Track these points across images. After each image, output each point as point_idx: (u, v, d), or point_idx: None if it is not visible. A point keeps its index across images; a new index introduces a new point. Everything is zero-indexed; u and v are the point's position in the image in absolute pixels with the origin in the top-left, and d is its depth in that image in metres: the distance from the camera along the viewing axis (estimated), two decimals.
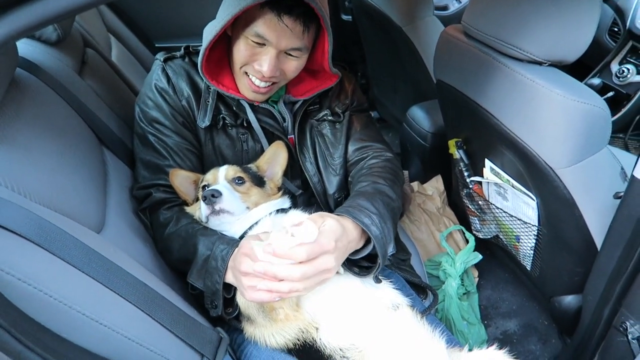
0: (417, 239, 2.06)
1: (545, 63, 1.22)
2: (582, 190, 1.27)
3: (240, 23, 1.16)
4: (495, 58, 1.30)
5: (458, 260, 1.81)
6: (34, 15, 0.54)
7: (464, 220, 2.09)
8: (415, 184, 2.19)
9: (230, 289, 1.09)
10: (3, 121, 0.93)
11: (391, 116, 2.85)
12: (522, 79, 1.22)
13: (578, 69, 2.83)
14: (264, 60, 1.18)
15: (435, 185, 2.17)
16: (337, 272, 1.09)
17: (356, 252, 1.09)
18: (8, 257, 0.72)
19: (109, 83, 1.62)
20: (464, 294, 1.85)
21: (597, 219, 1.31)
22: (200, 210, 1.19)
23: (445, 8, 2.99)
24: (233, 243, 1.07)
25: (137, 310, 0.90)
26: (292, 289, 0.91)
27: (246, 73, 1.24)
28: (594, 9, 1.15)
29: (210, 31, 1.17)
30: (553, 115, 1.18)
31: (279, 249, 0.89)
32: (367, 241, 1.10)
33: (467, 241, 1.94)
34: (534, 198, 1.44)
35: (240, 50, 1.19)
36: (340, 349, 1.03)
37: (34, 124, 1.04)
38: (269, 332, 1.09)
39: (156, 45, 2.47)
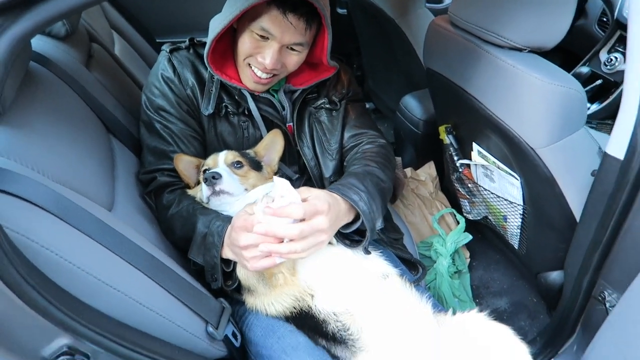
0: (410, 223, 2.15)
1: (525, 49, 1.30)
2: (561, 168, 1.36)
3: (246, 17, 1.23)
4: (479, 46, 1.37)
5: (449, 240, 1.90)
6: (50, 10, 0.62)
7: (455, 204, 2.17)
8: (408, 170, 2.27)
9: (229, 263, 1.18)
10: (21, 109, 1.01)
11: (386, 107, 2.93)
12: (503, 65, 1.30)
13: (568, 58, 2.91)
14: (267, 53, 1.25)
15: (428, 171, 2.26)
16: (330, 243, 1.18)
17: (346, 226, 1.18)
18: (31, 226, 0.80)
19: (114, 76, 1.70)
20: (455, 272, 1.94)
21: (576, 196, 1.39)
22: (201, 192, 1.27)
23: (439, 1, 3.06)
24: (228, 219, 1.15)
25: (147, 278, 0.98)
26: (290, 250, 0.99)
27: (249, 65, 1.32)
28: None
29: (217, 24, 1.24)
30: (532, 98, 1.26)
31: (277, 208, 0.97)
32: (357, 217, 1.18)
33: (458, 223, 2.02)
34: (518, 178, 1.52)
35: (245, 42, 1.27)
36: (334, 314, 1.11)
37: (48, 112, 1.12)
38: (268, 301, 1.18)
39: (157, 40, 2.54)
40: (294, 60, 1.32)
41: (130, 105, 1.62)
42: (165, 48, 1.42)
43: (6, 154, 0.88)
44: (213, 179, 1.20)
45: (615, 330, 1.09)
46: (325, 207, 1.04)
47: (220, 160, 1.31)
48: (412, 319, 1.11)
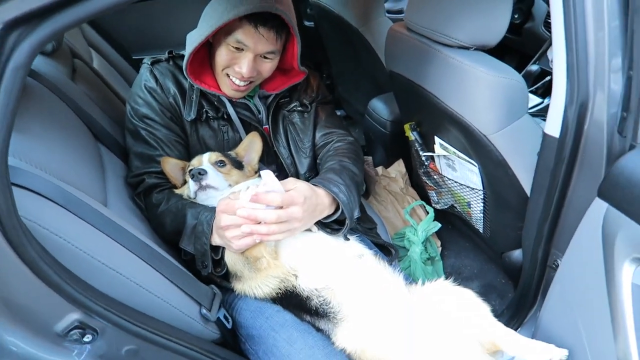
0: (384, 217, 2.29)
1: (472, 48, 1.47)
2: (511, 151, 1.52)
3: (221, 32, 1.37)
4: (432, 46, 1.54)
5: (420, 229, 2.04)
6: (64, 20, 0.73)
7: (424, 197, 2.32)
8: (379, 169, 2.42)
9: (217, 251, 1.29)
10: (19, 116, 1.11)
11: (356, 112, 3.09)
12: (453, 62, 1.46)
13: (522, 59, 3.14)
14: (243, 63, 1.39)
15: (398, 169, 2.41)
16: (311, 230, 1.30)
17: (328, 216, 1.31)
18: (41, 215, 0.90)
19: (97, 89, 1.80)
20: (428, 259, 2.08)
21: (526, 176, 1.55)
22: (189, 189, 1.38)
23: (400, 12, 3.27)
24: (215, 210, 1.27)
25: (145, 263, 1.08)
26: (269, 231, 1.12)
27: (227, 75, 1.45)
28: (506, 3, 1.41)
29: (194, 39, 1.38)
30: (480, 90, 1.42)
31: (259, 194, 1.10)
32: (337, 208, 1.32)
33: (427, 213, 2.17)
34: (476, 164, 1.68)
35: (222, 55, 1.40)
36: (316, 290, 1.23)
37: (42, 120, 1.22)
38: (255, 284, 1.29)
39: (133, 57, 2.64)
40: (267, 67, 1.45)
41: (115, 115, 1.71)
42: (147, 61, 1.53)
43: (14, 154, 0.97)
44: (199, 174, 1.32)
45: (561, 285, 1.25)
46: (301, 200, 1.18)
47: (205, 160, 1.43)
48: (386, 290, 1.24)
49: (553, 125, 1.28)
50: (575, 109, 1.19)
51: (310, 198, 1.20)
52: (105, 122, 1.60)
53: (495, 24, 1.42)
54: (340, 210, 1.31)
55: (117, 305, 0.98)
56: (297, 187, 1.19)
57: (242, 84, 1.45)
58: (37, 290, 0.84)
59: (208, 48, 1.50)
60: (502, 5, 1.41)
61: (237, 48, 1.37)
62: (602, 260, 1.04)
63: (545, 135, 1.33)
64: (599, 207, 1.06)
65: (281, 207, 1.14)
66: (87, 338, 0.92)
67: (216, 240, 1.24)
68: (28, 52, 0.70)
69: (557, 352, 1.12)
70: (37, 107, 1.23)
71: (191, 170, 1.40)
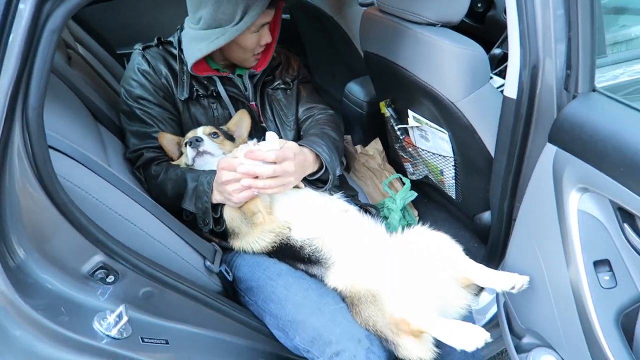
0: (364, 192, 2.45)
1: (438, 24, 1.63)
2: (477, 117, 1.69)
3: None
4: (402, 24, 1.70)
5: (398, 198, 2.20)
6: None
7: (401, 172, 2.49)
8: (358, 147, 2.58)
9: (217, 209, 1.41)
10: None
11: (334, 99, 3.23)
12: (422, 37, 1.62)
13: (485, 44, 3.35)
14: (265, 34, 1.59)
15: (375, 147, 2.57)
16: (299, 187, 1.45)
17: (313, 174, 1.46)
18: (66, 170, 1.01)
19: (90, 76, 1.89)
20: (405, 226, 2.24)
21: (491, 139, 1.72)
22: (186, 157, 1.50)
23: (372, 4, 3.44)
24: (214, 172, 1.40)
25: (156, 218, 1.21)
26: (265, 185, 1.26)
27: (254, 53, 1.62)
28: None
29: (212, 44, 1.47)
30: (446, 61, 1.59)
31: (256, 151, 1.24)
32: (320, 167, 1.47)
33: (404, 184, 2.34)
34: (446, 132, 1.85)
35: (251, 41, 1.56)
36: (308, 239, 1.37)
37: (49, 98, 1.30)
38: (252, 239, 1.42)
39: (118, 52, 2.73)
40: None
41: (108, 99, 1.82)
42: (138, 47, 1.65)
43: None
44: (197, 141, 1.45)
45: (522, 224, 1.42)
46: (292, 155, 1.32)
47: (200, 131, 1.55)
48: (369, 236, 1.39)
49: (510, 88, 1.45)
50: (528, 72, 1.37)
51: (299, 154, 1.36)
52: (102, 104, 1.70)
53: (457, 3, 1.59)
54: (324, 168, 1.46)
55: (135, 252, 1.10)
56: (287, 144, 1.34)
57: (262, 49, 1.64)
58: (67, 233, 0.95)
59: None
60: None
61: (257, 30, 1.54)
62: (554, 195, 1.22)
63: (504, 97, 1.50)
64: (550, 151, 1.24)
65: (275, 164, 1.29)
66: (110, 279, 1.04)
67: (216, 197, 1.37)
68: (61, 17, 0.82)
69: (519, 279, 1.29)
70: None
71: (186, 143, 1.52)
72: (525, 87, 1.40)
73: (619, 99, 1.09)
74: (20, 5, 0.78)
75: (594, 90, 1.17)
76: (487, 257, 1.92)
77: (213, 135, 1.56)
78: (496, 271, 1.32)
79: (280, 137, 1.78)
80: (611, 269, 1.10)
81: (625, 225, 1.03)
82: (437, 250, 1.37)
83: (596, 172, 1.06)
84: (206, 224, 1.39)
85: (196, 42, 1.52)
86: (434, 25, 1.64)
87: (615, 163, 1.00)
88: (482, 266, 1.35)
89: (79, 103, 1.53)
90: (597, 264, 1.12)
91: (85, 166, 1.07)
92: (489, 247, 1.91)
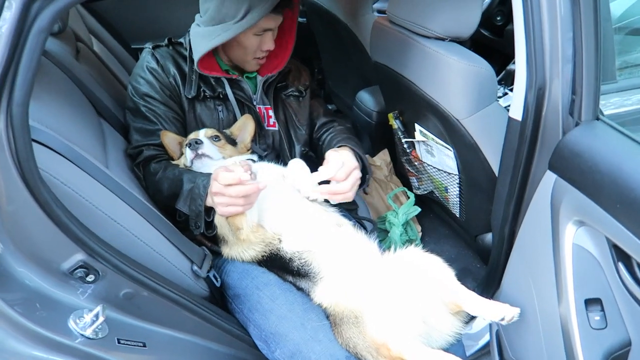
0: (369, 203, 2.41)
1: (446, 39, 1.60)
2: (482, 135, 1.65)
3: None
4: (411, 37, 1.67)
5: (400, 212, 2.17)
6: None
7: (407, 185, 2.46)
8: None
9: (210, 213, 1.40)
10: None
11: (345, 105, 3.22)
12: (430, 51, 1.59)
13: (506, 59, 3.29)
14: (268, 40, 1.58)
15: (383, 158, 2.54)
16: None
17: None
18: (53, 166, 1.01)
19: (98, 70, 1.91)
20: (407, 241, 2.21)
21: (496, 159, 1.68)
22: (185, 157, 1.50)
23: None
24: (209, 176, 1.38)
25: (142, 218, 1.20)
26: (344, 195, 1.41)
27: (255, 57, 1.62)
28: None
29: (212, 41, 1.49)
30: (453, 77, 1.56)
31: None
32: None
33: (409, 199, 2.30)
34: (451, 148, 1.81)
35: (252, 43, 1.57)
36: (298, 252, 1.35)
37: (51, 91, 1.33)
38: (241, 249, 1.41)
39: (132, 46, 2.75)
40: (276, 32, 1.63)
41: (115, 95, 1.83)
42: (148, 45, 1.67)
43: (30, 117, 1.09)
44: (196, 144, 1.45)
45: (518, 252, 1.38)
46: (355, 164, 1.47)
47: (201, 134, 1.55)
48: (360, 253, 1.36)
49: (516, 109, 1.41)
50: (534, 94, 1.32)
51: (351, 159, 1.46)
52: (107, 100, 1.71)
53: (467, 18, 1.55)
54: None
55: (118, 252, 1.09)
56: (346, 155, 1.46)
57: (264, 54, 1.64)
58: (47, 230, 0.95)
59: None
60: (473, 1, 1.54)
61: (261, 34, 1.55)
62: (551, 225, 1.17)
63: (509, 118, 1.46)
64: (549, 179, 1.20)
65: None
66: (90, 278, 1.03)
67: (209, 202, 1.36)
68: (49, 18, 0.81)
69: (509, 310, 1.24)
70: (46, 80, 1.35)
71: (189, 141, 1.52)
72: (531, 109, 1.36)
73: (623, 130, 1.04)
74: (7, 3, 0.77)
75: (597, 118, 1.13)
76: (486, 280, 1.86)
77: (214, 138, 1.56)
78: (487, 300, 1.28)
79: (272, 152, 1.80)
80: (603, 309, 1.05)
81: (620, 265, 0.99)
82: (429, 273, 1.33)
83: (593, 205, 1.01)
84: (198, 227, 1.38)
85: (201, 38, 1.54)
86: (442, 39, 1.61)
87: (613, 198, 0.96)
88: (473, 293, 1.31)
89: (82, 98, 1.54)
90: (588, 302, 1.07)
91: (74, 163, 1.07)
92: (487, 271, 1.86)
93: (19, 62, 0.82)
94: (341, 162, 1.41)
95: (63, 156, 1.05)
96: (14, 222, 0.92)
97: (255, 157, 1.64)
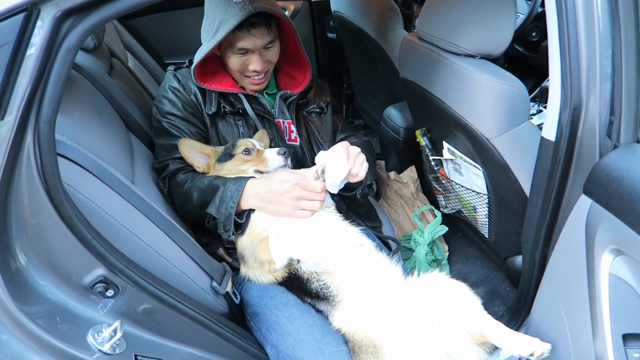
0: (394, 220, 2.36)
1: (477, 56, 1.56)
2: (513, 155, 1.59)
3: (223, 46, 1.58)
4: (440, 54, 1.64)
5: (426, 231, 2.11)
6: (108, 11, 0.87)
7: (434, 203, 2.40)
8: (392, 174, 2.51)
9: (242, 216, 1.41)
10: (63, 101, 1.26)
11: (373, 121, 3.20)
12: (459, 69, 1.56)
13: (539, 74, 3.20)
14: (253, 62, 1.58)
15: (410, 174, 2.49)
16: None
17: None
18: (78, 181, 1.03)
19: (131, 86, 1.96)
20: (433, 261, 2.15)
21: (527, 180, 1.61)
22: (269, 162, 1.51)
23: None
24: (242, 179, 1.43)
25: (164, 234, 1.21)
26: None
27: (246, 76, 1.63)
28: (510, 14, 1.50)
29: (198, 55, 1.58)
30: (483, 95, 1.51)
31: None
32: None
33: (436, 217, 2.25)
34: (480, 168, 1.76)
35: (234, 62, 1.60)
36: (316, 273, 1.33)
37: (82, 106, 1.37)
38: (259, 273, 1.40)
39: (165, 61, 2.82)
40: (272, 53, 1.63)
41: (146, 110, 1.87)
42: (170, 68, 1.73)
43: (58, 131, 1.11)
44: (288, 154, 1.50)
45: (550, 280, 1.31)
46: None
47: (257, 143, 1.57)
48: (382, 277, 1.32)
49: (549, 129, 1.35)
50: (569, 114, 1.27)
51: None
52: (137, 114, 1.75)
53: (499, 35, 1.51)
54: None
55: (138, 267, 1.10)
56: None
57: (260, 77, 1.64)
58: (70, 244, 0.96)
59: (219, 56, 1.67)
60: (505, 18, 1.50)
61: (242, 53, 1.56)
62: (585, 253, 1.11)
63: (542, 138, 1.40)
64: (584, 204, 1.13)
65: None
66: (110, 293, 1.04)
67: (255, 203, 1.41)
68: (78, 37, 0.83)
69: (540, 346, 1.18)
70: (78, 95, 1.39)
71: (245, 150, 1.55)
72: (565, 130, 1.30)
73: None
74: (39, 22, 0.80)
75: (638, 141, 1.06)
76: (516, 304, 1.78)
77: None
78: (516, 333, 1.22)
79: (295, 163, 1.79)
80: None
81: None
82: (454, 301, 1.27)
83: (633, 233, 0.95)
84: (226, 230, 1.38)
85: (197, 56, 1.60)
86: (472, 56, 1.57)
87: None
88: (501, 325, 1.25)
89: (113, 112, 1.58)
90: (627, 337, 1.00)
91: (99, 178, 1.08)
92: (517, 295, 1.78)
93: (48, 79, 0.84)
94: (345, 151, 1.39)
95: (88, 171, 1.07)
96: (37, 236, 0.94)
97: None
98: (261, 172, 1.53)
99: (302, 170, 1.45)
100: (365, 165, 1.43)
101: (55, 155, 0.92)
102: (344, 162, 1.35)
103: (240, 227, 1.41)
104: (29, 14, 0.79)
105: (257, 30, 1.51)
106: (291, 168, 1.76)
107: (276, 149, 1.53)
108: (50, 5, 0.81)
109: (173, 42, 2.89)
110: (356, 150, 1.43)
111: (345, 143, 1.42)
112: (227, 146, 1.59)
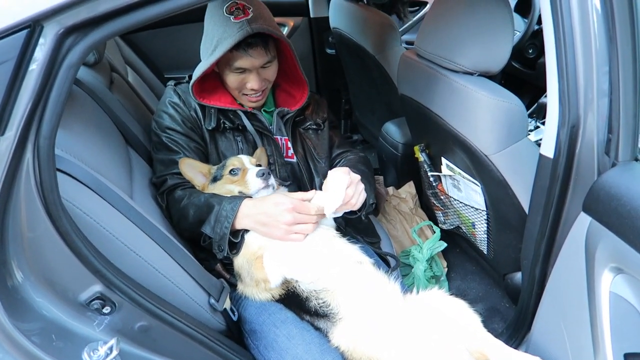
0: (393, 236, 2.36)
1: (475, 73, 1.57)
2: (511, 172, 1.60)
3: (221, 64, 1.59)
4: (438, 71, 1.65)
5: (425, 247, 2.11)
6: (110, 29, 0.88)
7: (432, 219, 2.40)
8: (390, 189, 2.51)
9: (237, 235, 1.40)
10: (63, 116, 1.26)
11: (371, 136, 3.21)
12: (457, 86, 1.57)
13: (538, 91, 3.23)
14: (251, 80, 1.59)
15: (408, 190, 2.49)
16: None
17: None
18: (77, 197, 1.03)
19: (131, 100, 1.97)
20: (432, 277, 2.13)
21: (526, 196, 1.61)
22: (249, 184, 1.49)
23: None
24: (238, 199, 1.42)
25: (163, 251, 1.20)
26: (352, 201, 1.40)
27: (244, 94, 1.64)
28: (507, 32, 1.52)
29: (197, 71, 1.59)
30: (481, 112, 1.52)
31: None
32: None
33: (434, 233, 2.24)
34: (479, 184, 1.76)
35: (232, 80, 1.61)
36: (315, 291, 1.31)
37: (82, 120, 1.37)
38: (255, 291, 1.38)
39: (165, 75, 2.84)
40: (270, 72, 1.64)
41: (145, 124, 1.87)
42: (171, 83, 1.74)
43: (58, 146, 1.10)
44: (269, 174, 1.48)
45: (550, 298, 1.30)
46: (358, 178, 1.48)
47: (246, 161, 1.56)
48: (380, 295, 1.31)
49: (547, 146, 1.36)
50: (567, 131, 1.27)
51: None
52: (137, 129, 1.75)
53: (497, 53, 1.52)
54: None
55: (135, 284, 1.09)
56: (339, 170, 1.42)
57: (257, 95, 1.65)
58: (67, 260, 0.95)
59: (218, 73, 1.68)
60: (503, 36, 1.51)
61: (240, 72, 1.57)
62: (585, 271, 1.10)
63: (540, 155, 1.40)
64: (584, 221, 1.13)
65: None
66: (106, 310, 1.03)
67: (249, 224, 1.39)
68: (80, 54, 0.84)
69: None
70: (78, 110, 1.39)
71: (232, 170, 1.53)
72: (563, 147, 1.31)
73: None
74: (41, 40, 0.80)
75: (636, 159, 1.07)
76: (515, 323, 1.77)
77: (258, 166, 1.57)
78: (516, 351, 1.21)
79: (295, 181, 1.80)
80: None
81: None
82: (453, 319, 1.27)
83: (633, 252, 0.95)
84: (221, 250, 1.37)
85: (195, 73, 1.61)
86: (470, 74, 1.58)
87: None
88: (501, 343, 1.24)
89: (112, 127, 1.58)
90: (628, 357, 0.99)
91: (97, 193, 1.08)
92: (517, 312, 1.77)
93: (49, 96, 0.84)
94: (343, 180, 1.39)
95: (87, 186, 1.06)
96: (34, 252, 0.93)
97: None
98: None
99: (298, 194, 1.44)
100: (363, 196, 1.45)
101: (55, 171, 0.91)
102: (341, 191, 1.36)
103: (235, 247, 1.41)
104: (32, 30, 0.80)
105: (254, 50, 1.52)
106: (289, 184, 1.77)
107: (256, 170, 1.50)
108: (53, 22, 0.81)
109: (173, 57, 2.91)
110: (357, 177, 1.45)
111: (346, 169, 1.44)
112: (219, 166, 1.60)
